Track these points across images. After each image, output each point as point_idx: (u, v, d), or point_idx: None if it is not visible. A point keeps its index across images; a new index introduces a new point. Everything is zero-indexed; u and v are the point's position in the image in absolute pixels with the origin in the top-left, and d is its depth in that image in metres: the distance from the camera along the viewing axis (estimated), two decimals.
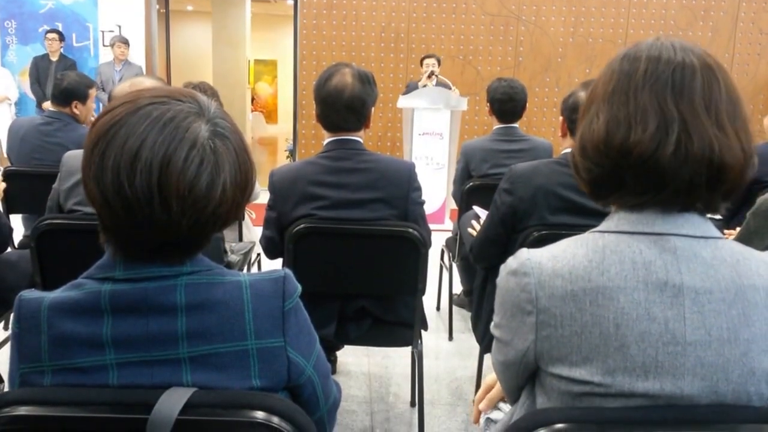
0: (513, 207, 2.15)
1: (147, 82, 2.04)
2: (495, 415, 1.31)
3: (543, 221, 2.09)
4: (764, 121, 3.54)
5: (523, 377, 1.06)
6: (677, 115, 0.93)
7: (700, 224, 0.97)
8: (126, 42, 7.09)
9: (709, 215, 1.01)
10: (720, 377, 0.91)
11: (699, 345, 0.91)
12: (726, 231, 2.39)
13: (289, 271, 1.03)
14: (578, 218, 2.04)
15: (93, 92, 3.46)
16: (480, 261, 2.41)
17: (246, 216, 3.54)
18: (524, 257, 0.99)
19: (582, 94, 2.11)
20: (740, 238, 2.02)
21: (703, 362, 0.91)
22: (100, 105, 7.05)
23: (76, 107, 3.38)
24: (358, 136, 2.16)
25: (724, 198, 0.98)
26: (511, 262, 1.01)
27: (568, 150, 2.15)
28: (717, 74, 0.97)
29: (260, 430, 0.90)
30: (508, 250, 2.23)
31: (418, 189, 2.18)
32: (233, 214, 0.99)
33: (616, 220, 0.99)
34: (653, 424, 0.89)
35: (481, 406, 1.32)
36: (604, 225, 1.00)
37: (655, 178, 0.94)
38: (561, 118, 2.20)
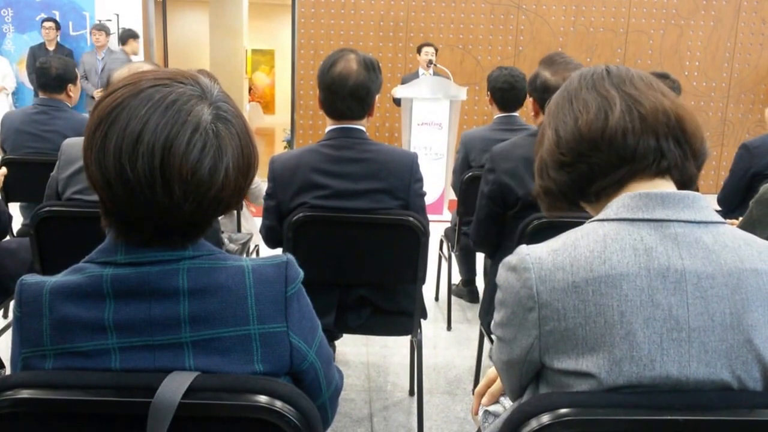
0: (498, 182, 2.25)
1: (144, 67, 2.03)
2: (493, 408, 1.31)
3: (530, 190, 2.13)
4: (765, 112, 3.54)
5: (526, 376, 1.05)
6: (617, 93, 1.01)
7: (701, 209, 0.96)
8: (102, 29, 7.03)
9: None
10: (724, 363, 0.91)
11: (703, 330, 0.91)
12: (728, 220, 2.39)
13: (291, 257, 1.02)
14: None
15: (77, 71, 3.56)
16: (480, 245, 2.47)
17: (244, 206, 3.53)
18: (524, 253, 0.98)
19: (547, 74, 2.25)
20: (743, 227, 2.02)
21: (707, 348, 0.91)
22: (85, 95, 7.02)
23: (71, 90, 3.41)
24: (361, 125, 2.14)
25: (696, 165, 1.03)
26: (510, 259, 1.01)
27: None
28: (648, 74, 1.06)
29: (263, 414, 0.90)
30: (508, 237, 2.27)
31: (420, 180, 2.17)
32: (235, 199, 0.98)
33: (615, 207, 0.99)
34: (658, 409, 0.88)
35: (483, 400, 1.32)
36: (603, 213, 1.00)
37: (621, 148, 0.99)
38: (531, 99, 2.33)
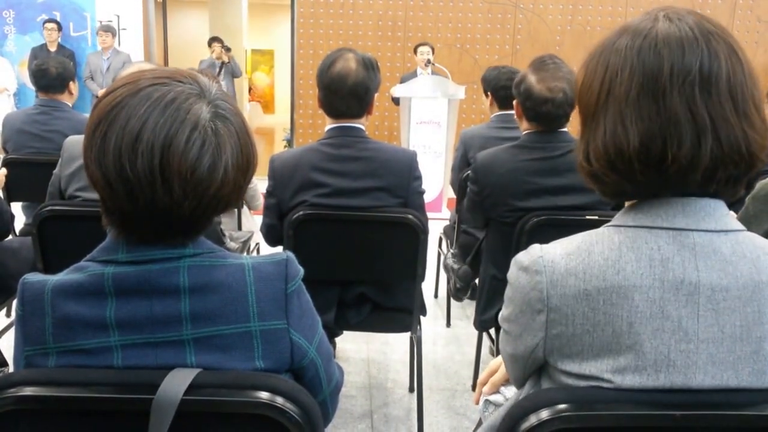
0: (480, 195, 2.26)
1: (148, 68, 2.04)
2: (494, 397, 1.32)
3: (511, 207, 2.17)
4: (762, 109, 3.53)
5: (530, 369, 1.05)
6: (708, 118, 0.88)
7: (721, 216, 0.93)
8: (109, 30, 7.08)
9: None
10: (730, 375, 0.90)
11: (711, 342, 0.89)
12: None
13: (291, 254, 1.03)
14: (546, 199, 2.12)
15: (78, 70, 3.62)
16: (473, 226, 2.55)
17: (244, 204, 3.54)
18: (536, 254, 0.96)
19: (533, 80, 2.12)
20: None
21: (714, 360, 0.90)
22: (91, 95, 7.04)
23: (72, 88, 3.43)
24: (360, 123, 2.15)
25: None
26: (523, 258, 0.98)
27: (528, 132, 2.23)
28: (739, 54, 0.91)
29: (264, 410, 0.91)
30: (510, 240, 2.29)
31: (419, 178, 2.18)
32: (235, 197, 0.99)
33: (634, 213, 0.95)
34: (658, 405, 0.89)
35: (485, 389, 1.33)
36: (622, 219, 0.96)
37: (691, 182, 0.92)
38: (515, 102, 2.25)
